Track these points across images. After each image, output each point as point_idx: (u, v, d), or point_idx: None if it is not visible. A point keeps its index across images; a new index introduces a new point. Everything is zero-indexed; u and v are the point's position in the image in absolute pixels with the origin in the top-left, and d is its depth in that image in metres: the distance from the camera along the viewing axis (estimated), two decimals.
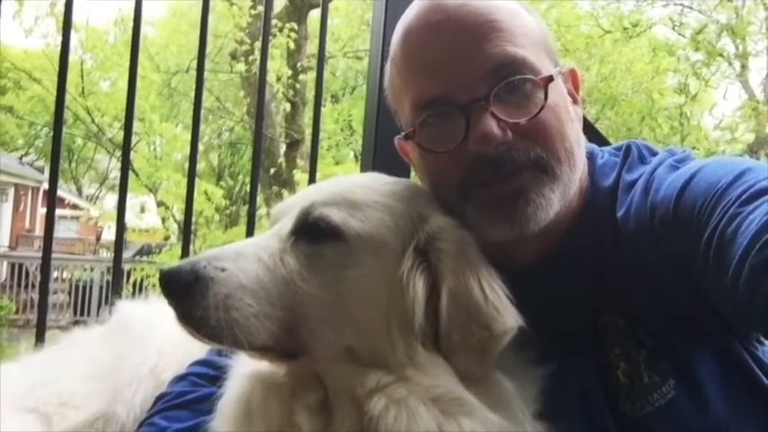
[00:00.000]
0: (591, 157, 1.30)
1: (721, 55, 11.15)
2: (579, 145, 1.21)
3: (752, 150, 10.95)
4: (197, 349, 1.37)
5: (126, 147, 2.26)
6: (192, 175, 2.32)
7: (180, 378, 1.31)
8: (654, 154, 1.27)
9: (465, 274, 1.06)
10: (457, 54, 1.15)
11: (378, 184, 1.16)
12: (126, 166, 2.27)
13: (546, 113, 1.14)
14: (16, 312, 12.26)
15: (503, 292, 1.07)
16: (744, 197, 0.99)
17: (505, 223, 1.13)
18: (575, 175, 1.18)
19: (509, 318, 1.04)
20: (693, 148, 10.86)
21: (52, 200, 2.16)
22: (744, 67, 12.58)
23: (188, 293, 0.98)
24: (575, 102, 1.26)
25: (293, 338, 1.03)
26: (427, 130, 1.19)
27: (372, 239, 1.07)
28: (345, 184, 1.15)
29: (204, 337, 1.01)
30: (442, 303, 1.04)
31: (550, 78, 1.15)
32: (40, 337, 2.05)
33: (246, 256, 1.04)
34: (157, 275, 1.02)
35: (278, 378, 1.08)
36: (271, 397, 1.06)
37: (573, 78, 1.28)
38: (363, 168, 2.22)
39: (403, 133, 1.26)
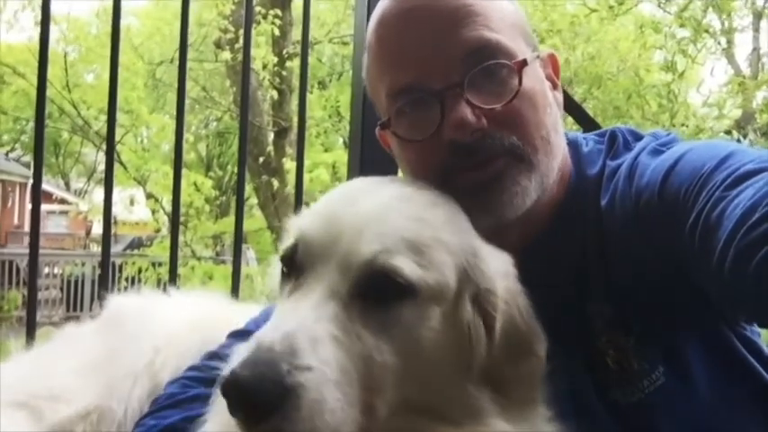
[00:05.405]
0: (575, 145, 1.30)
1: (707, 31, 11.14)
2: (557, 131, 1.20)
3: (740, 126, 10.98)
4: (192, 346, 1.37)
5: (110, 140, 2.24)
6: (177, 167, 2.31)
7: (172, 382, 1.30)
8: (638, 138, 1.26)
9: (511, 308, 1.02)
10: (430, 40, 1.14)
11: (421, 208, 1.03)
12: (111, 159, 2.25)
13: (521, 99, 1.13)
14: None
15: (529, 303, 1.05)
16: (728, 181, 0.99)
17: (483, 211, 1.12)
18: (552, 163, 1.18)
19: (542, 333, 1.03)
20: (682, 125, 10.87)
21: (37, 195, 2.14)
22: (730, 42, 12.59)
23: (278, 409, 0.82)
24: (554, 87, 1.25)
25: (370, 416, 0.92)
26: (403, 118, 1.18)
27: (439, 287, 0.97)
28: (393, 216, 0.98)
29: None
30: (494, 343, 0.99)
31: (524, 62, 1.14)
32: (30, 334, 2.04)
33: (322, 339, 0.88)
34: (224, 382, 0.83)
35: None
36: None
37: (553, 63, 1.27)
38: (352, 155, 2.21)
39: (379, 123, 1.25)
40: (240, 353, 0.89)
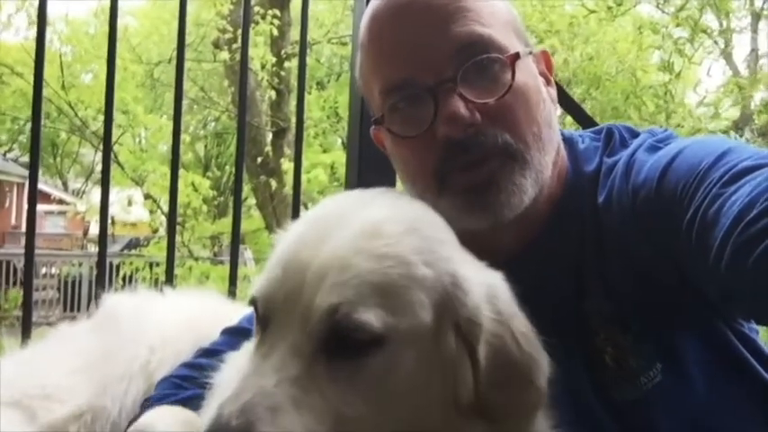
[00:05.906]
0: (571, 142, 1.30)
1: (705, 31, 11.15)
2: (550, 127, 1.20)
3: (737, 127, 10.99)
4: (187, 346, 1.37)
5: (107, 140, 2.23)
6: (175, 168, 2.30)
7: (162, 380, 1.29)
8: (635, 136, 1.27)
9: (500, 335, 0.95)
10: (423, 36, 1.14)
11: (392, 241, 0.93)
12: (108, 159, 2.24)
13: (514, 94, 1.14)
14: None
15: (530, 327, 0.99)
16: (726, 178, 0.99)
17: (481, 210, 1.12)
18: (545, 158, 1.18)
19: (544, 360, 0.98)
20: (678, 125, 10.88)
21: (33, 195, 2.13)
22: (727, 43, 12.61)
23: None
24: (548, 83, 1.25)
25: None
26: (396, 115, 1.18)
27: (412, 330, 0.90)
28: (358, 258, 0.90)
29: None
30: (480, 373, 0.93)
31: (517, 56, 1.15)
32: (26, 334, 2.03)
33: (282, 406, 0.83)
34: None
35: None
36: None
37: (545, 59, 1.28)
38: (350, 156, 2.20)
39: (373, 120, 1.25)
40: (206, 417, 0.88)
